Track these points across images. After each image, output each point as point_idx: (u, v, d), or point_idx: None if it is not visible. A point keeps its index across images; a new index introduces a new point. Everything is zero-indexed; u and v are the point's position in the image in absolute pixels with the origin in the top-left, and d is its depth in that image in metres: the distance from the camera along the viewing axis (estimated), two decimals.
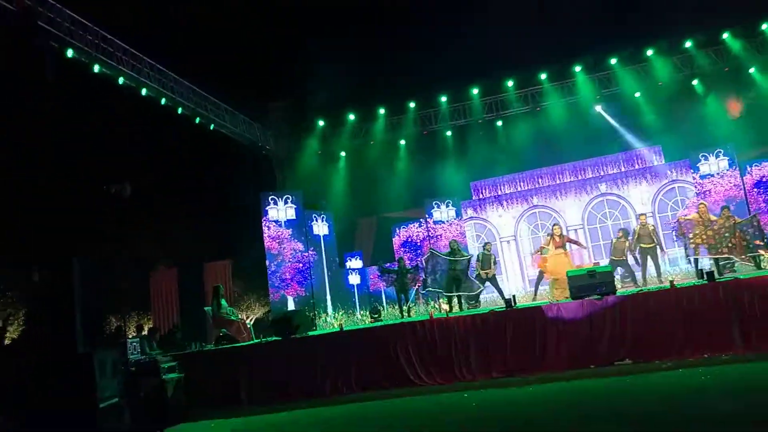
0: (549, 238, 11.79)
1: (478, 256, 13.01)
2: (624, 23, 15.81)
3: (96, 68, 11.93)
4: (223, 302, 11.78)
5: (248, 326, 12.29)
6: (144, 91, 13.11)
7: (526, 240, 17.29)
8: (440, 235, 16.41)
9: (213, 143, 15.73)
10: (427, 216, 16.72)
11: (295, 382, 9.50)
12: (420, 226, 16.71)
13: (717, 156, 15.00)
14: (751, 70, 16.38)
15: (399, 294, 12.71)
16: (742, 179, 14.62)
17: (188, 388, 9.40)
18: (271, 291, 14.99)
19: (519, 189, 17.75)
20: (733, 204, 13.84)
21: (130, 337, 11.90)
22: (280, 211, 15.38)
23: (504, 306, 9.44)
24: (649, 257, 11.85)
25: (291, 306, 14.70)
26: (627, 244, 12.17)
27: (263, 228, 15.21)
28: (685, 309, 8.30)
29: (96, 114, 13.55)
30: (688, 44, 16.19)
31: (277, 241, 15.15)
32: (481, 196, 18.06)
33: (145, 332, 12.24)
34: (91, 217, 13.37)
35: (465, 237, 16.66)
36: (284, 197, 15.55)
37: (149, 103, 13.44)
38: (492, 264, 12.64)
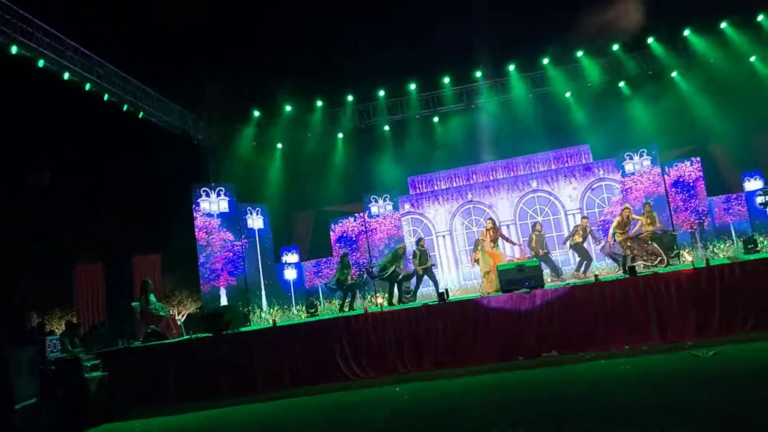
0: (484, 231, 12.03)
1: (414, 252, 13.14)
2: (555, 24, 16.24)
3: (14, 50, 11.24)
4: (152, 297, 11.40)
5: (178, 322, 11.96)
6: (66, 75, 12.46)
7: (460, 235, 17.59)
8: (375, 229, 16.46)
9: (142, 132, 15.13)
10: (365, 210, 16.73)
11: (226, 379, 9.30)
12: (355, 220, 16.70)
13: (641, 155, 15.70)
14: (674, 74, 17.26)
15: (343, 290, 12.56)
16: (663, 177, 15.36)
17: (113, 387, 9.07)
18: (201, 283, 14.65)
19: (454, 185, 18.04)
20: (652, 199, 14.57)
21: (56, 334, 11.37)
22: (213, 203, 15.03)
23: (437, 299, 9.56)
24: (579, 253, 12.47)
25: (223, 300, 14.40)
26: (544, 237, 12.79)
27: (195, 222, 14.83)
28: (608, 302, 8.65)
29: (13, 98, 12.77)
30: (615, 47, 16.87)
31: (205, 231, 14.82)
32: (418, 190, 18.23)
33: (63, 329, 11.68)
34: (8, 208, 12.65)
35: (401, 230, 16.78)
36: (217, 189, 15.19)
37: (72, 89, 12.79)
38: (428, 258, 12.79)
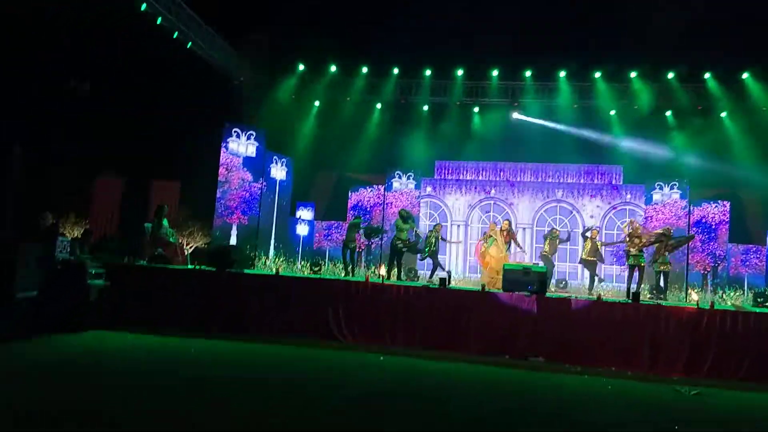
0: (498, 230, 12.07)
1: (428, 233, 13.28)
2: (613, 39, 15.95)
3: None
4: (165, 222, 11.60)
5: (186, 252, 12.20)
6: None
7: (475, 228, 17.61)
8: (390, 203, 16.51)
9: (186, 61, 15.22)
10: (386, 183, 16.78)
11: (220, 315, 9.51)
12: (373, 191, 16.78)
13: (671, 188, 15.52)
14: (723, 114, 16.92)
15: (346, 253, 12.67)
16: (689, 213, 15.17)
17: (113, 298, 9.30)
18: (215, 218, 14.90)
19: (480, 177, 18.01)
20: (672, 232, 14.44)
21: (68, 237, 11.64)
22: (241, 145, 15.17)
23: (438, 283, 9.66)
24: (588, 269, 12.43)
25: (233, 240, 14.63)
26: (558, 243, 12.83)
27: (221, 160, 15.01)
28: (605, 322, 8.69)
29: (65, 12, 12.86)
30: (670, 75, 16.56)
31: (227, 168, 15.02)
32: (443, 176, 18.24)
33: (78, 235, 11.97)
34: (42, 108, 12.87)
35: (416, 208, 16.82)
36: (248, 133, 15.31)
37: (126, 7, 12.88)
38: (437, 242, 12.92)
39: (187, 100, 15.54)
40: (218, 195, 14.97)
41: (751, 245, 15.49)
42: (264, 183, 15.50)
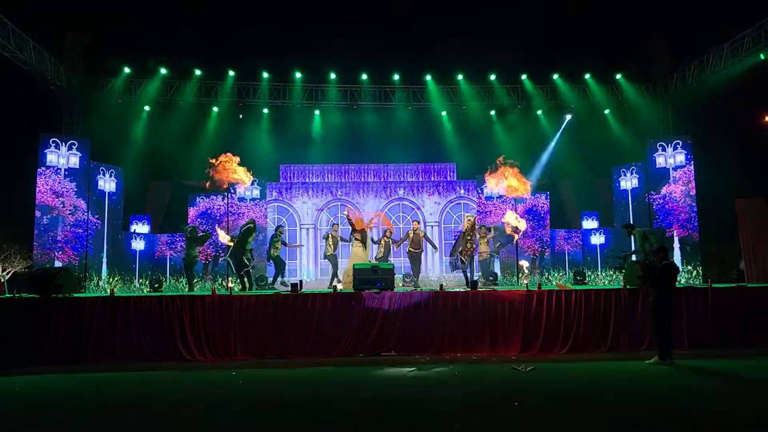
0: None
1: (272, 236, 13.10)
2: (439, 44, 16.96)
3: None
4: None
5: (1, 279, 10.85)
6: None
7: (324, 230, 17.69)
8: (243, 213, 16.05)
9: None
10: (229, 191, 16.22)
11: (51, 346, 8.58)
12: (223, 199, 16.17)
13: None
14: (539, 112, 18.68)
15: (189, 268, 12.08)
16: (515, 206, 16.47)
17: None
18: (38, 249, 13.23)
19: (326, 180, 18.13)
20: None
21: None
22: (62, 157, 13.75)
23: (290, 289, 9.55)
24: (415, 261, 12.98)
25: (58, 262, 13.25)
26: (391, 242, 13.39)
27: (38, 173, 13.48)
28: (449, 311, 9.16)
29: None
30: (492, 77, 17.92)
31: (56, 194, 13.49)
32: (288, 180, 18.09)
33: None
34: None
35: (266, 218, 16.52)
36: (69, 143, 13.93)
37: None
38: (279, 245, 12.83)
39: None
40: (43, 225, 13.28)
41: (571, 229, 17.27)
42: (98, 217, 14.19)
